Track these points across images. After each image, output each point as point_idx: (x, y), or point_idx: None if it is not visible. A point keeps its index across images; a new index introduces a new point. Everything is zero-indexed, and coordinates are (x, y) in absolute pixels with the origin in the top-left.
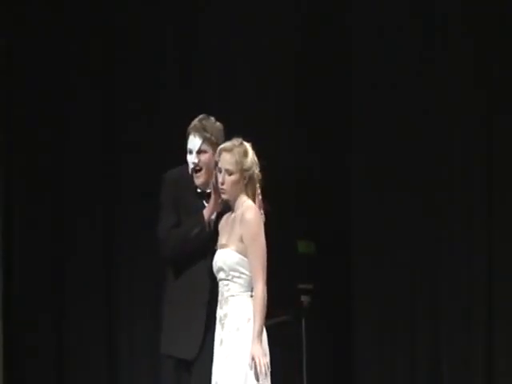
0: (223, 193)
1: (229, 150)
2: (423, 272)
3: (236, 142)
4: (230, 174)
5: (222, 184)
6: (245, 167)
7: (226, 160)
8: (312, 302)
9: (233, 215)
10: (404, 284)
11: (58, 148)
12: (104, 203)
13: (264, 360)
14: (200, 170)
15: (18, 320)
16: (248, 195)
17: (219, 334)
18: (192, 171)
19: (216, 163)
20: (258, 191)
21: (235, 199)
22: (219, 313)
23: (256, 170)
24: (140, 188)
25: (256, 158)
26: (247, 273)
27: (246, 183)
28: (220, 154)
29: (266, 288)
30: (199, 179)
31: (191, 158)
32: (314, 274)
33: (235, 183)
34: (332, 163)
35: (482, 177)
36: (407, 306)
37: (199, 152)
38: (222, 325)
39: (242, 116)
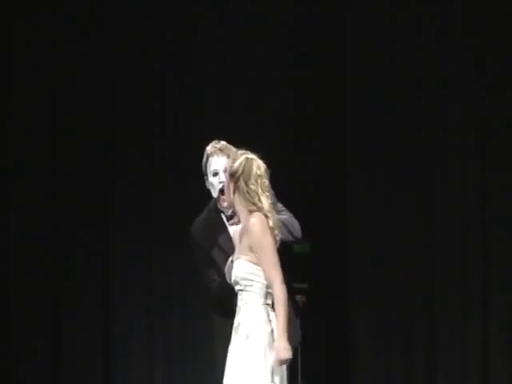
0: None
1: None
2: (419, 271)
3: (240, 151)
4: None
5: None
6: (230, 172)
7: None
8: (307, 302)
9: (240, 227)
10: (400, 283)
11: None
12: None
13: (287, 356)
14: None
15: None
16: (245, 204)
17: (233, 342)
18: (220, 193)
19: None
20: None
21: (230, 206)
22: (235, 322)
23: (251, 183)
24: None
25: (257, 171)
26: (259, 280)
27: (233, 190)
28: None
29: (284, 288)
30: (225, 201)
31: (219, 178)
32: (308, 273)
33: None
34: (328, 163)
35: (482, 177)
36: (403, 306)
37: (226, 170)
38: (236, 333)
39: (242, 115)
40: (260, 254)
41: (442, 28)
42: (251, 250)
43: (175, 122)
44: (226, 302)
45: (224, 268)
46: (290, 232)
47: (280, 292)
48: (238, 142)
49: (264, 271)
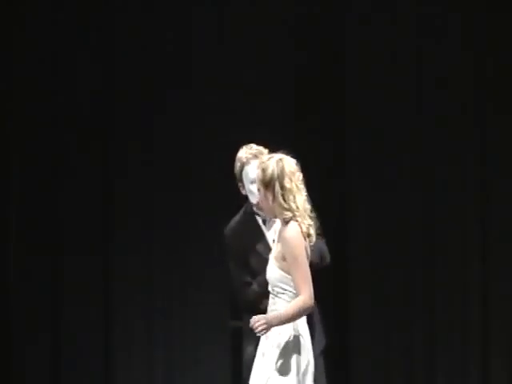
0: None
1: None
2: (419, 271)
3: (265, 157)
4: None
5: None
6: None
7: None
8: None
9: (279, 230)
10: (400, 283)
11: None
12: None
13: (259, 324)
14: None
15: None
16: (281, 211)
17: (263, 344)
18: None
19: None
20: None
21: (270, 214)
22: None
23: (286, 181)
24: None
25: (289, 169)
26: (290, 289)
27: (272, 200)
28: None
29: (311, 302)
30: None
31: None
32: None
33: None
34: (328, 163)
35: (482, 177)
36: (403, 306)
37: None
38: (267, 336)
39: (242, 115)
40: (292, 266)
41: (442, 28)
42: (284, 258)
43: (175, 121)
44: (261, 301)
45: (260, 270)
46: (321, 258)
47: (303, 301)
48: (238, 142)
49: (294, 283)
